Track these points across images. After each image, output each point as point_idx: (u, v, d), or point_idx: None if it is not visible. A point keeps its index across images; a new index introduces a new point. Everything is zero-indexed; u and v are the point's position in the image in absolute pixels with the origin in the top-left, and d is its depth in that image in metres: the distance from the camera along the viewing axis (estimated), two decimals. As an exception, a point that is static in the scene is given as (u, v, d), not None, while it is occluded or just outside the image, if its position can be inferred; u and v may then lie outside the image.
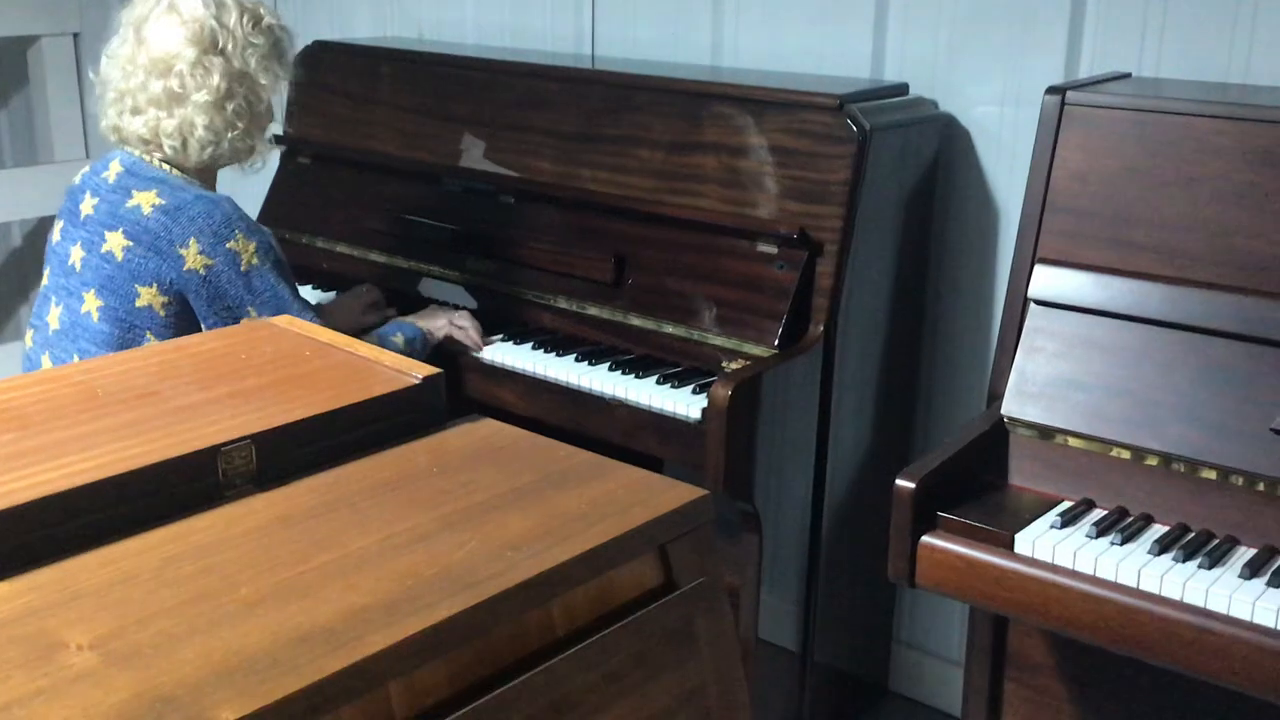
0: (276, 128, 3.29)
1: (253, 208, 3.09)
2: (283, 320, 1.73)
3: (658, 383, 2.38)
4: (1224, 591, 1.73)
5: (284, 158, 3.22)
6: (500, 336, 2.63)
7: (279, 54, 2.37)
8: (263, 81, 2.33)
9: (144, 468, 1.26)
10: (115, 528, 1.23)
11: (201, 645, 1.04)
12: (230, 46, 2.28)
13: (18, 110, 4.48)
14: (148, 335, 2.22)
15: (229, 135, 2.29)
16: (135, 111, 2.29)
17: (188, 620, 1.08)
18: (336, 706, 1.02)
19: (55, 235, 2.36)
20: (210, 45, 2.26)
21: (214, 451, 1.31)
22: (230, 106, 2.28)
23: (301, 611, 1.10)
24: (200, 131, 2.27)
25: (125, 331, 2.22)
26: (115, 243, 2.22)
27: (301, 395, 1.45)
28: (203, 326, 2.25)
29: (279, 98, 2.46)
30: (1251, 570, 1.77)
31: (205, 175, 2.36)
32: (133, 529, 1.23)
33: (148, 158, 2.31)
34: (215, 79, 2.26)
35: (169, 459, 1.28)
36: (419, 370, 1.52)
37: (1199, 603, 1.74)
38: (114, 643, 1.05)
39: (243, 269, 2.24)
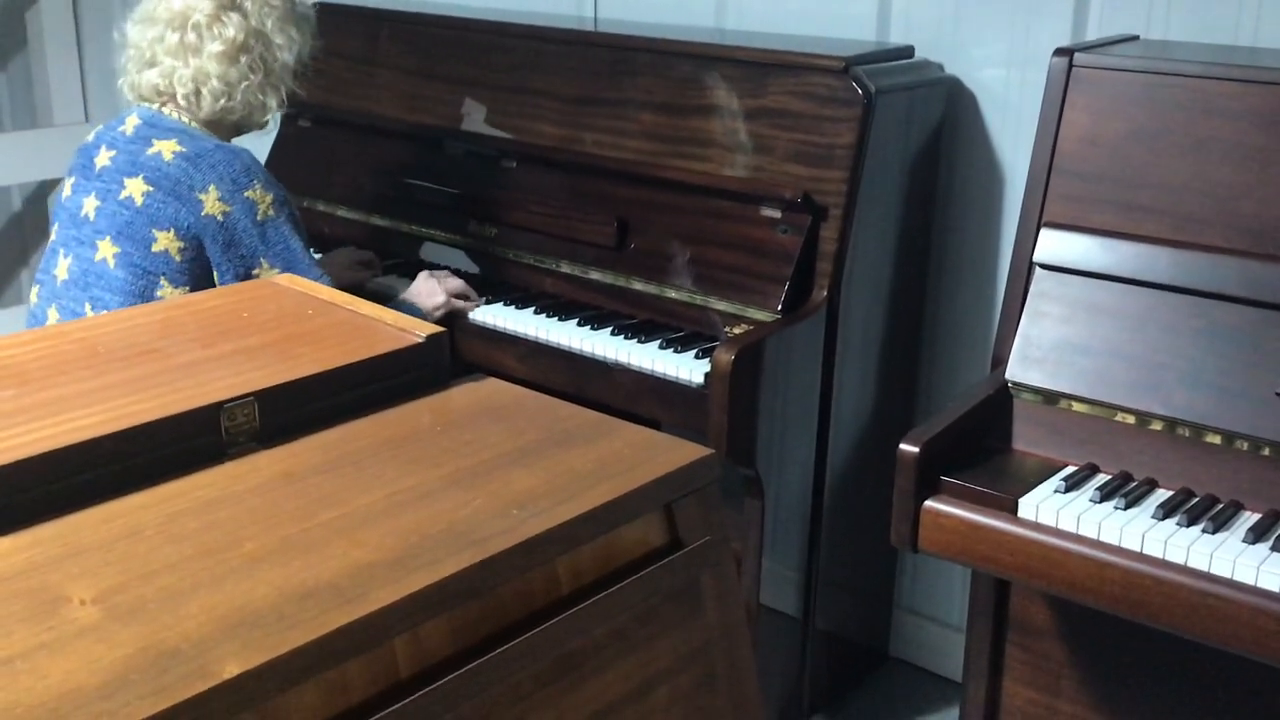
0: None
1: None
2: (285, 279, 1.72)
3: (660, 347, 2.37)
4: (1228, 556, 1.73)
5: (284, 121, 3.20)
6: (502, 301, 2.62)
7: (296, 19, 2.41)
8: (278, 41, 2.36)
9: (146, 424, 1.25)
10: (118, 484, 1.22)
11: (206, 600, 1.04)
12: (249, 4, 2.33)
13: (16, 73, 4.45)
14: (162, 281, 2.24)
15: (241, 86, 2.33)
16: (151, 64, 2.34)
17: (192, 575, 1.07)
18: (341, 661, 1.02)
19: (66, 191, 2.39)
20: (229, 1, 2.32)
21: (217, 408, 1.30)
22: (244, 60, 2.32)
23: (306, 567, 1.09)
24: (214, 82, 2.31)
25: (140, 277, 2.24)
26: (135, 188, 2.25)
27: (305, 353, 1.44)
28: (216, 274, 2.28)
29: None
30: (1255, 535, 1.77)
31: (220, 130, 2.38)
32: (135, 485, 1.22)
33: (165, 110, 2.34)
34: (231, 31, 2.31)
35: (171, 415, 1.27)
36: (422, 329, 1.51)
37: (1203, 567, 1.74)
38: (117, 597, 1.04)
39: (259, 219, 2.27)
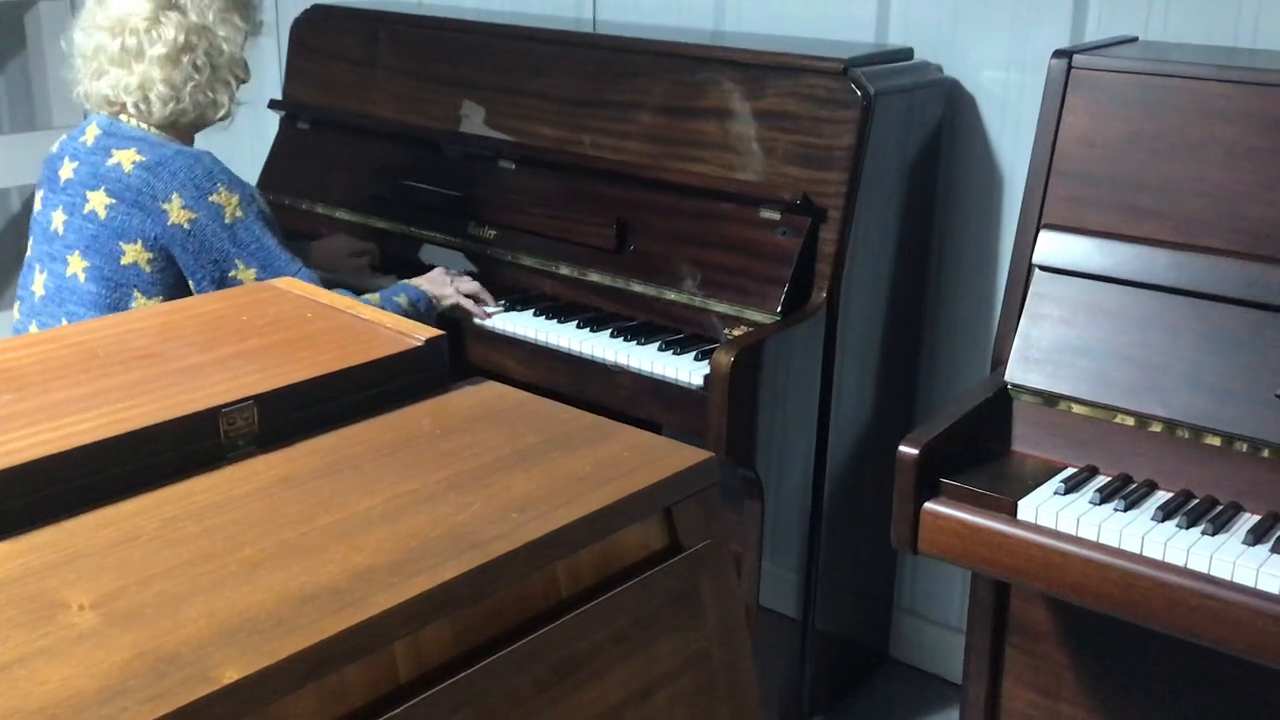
0: (274, 92, 3.28)
1: (252, 173, 3.07)
2: (284, 282, 1.71)
3: (660, 349, 2.37)
4: (1227, 558, 1.73)
5: (283, 123, 3.20)
6: (501, 303, 2.61)
7: (238, 6, 2.36)
8: (222, 33, 2.32)
9: (145, 428, 1.25)
10: (116, 488, 1.22)
11: (204, 605, 1.04)
12: (186, 1, 2.29)
13: (15, 75, 4.45)
14: (135, 293, 2.22)
15: (188, 88, 2.29)
16: (99, 74, 2.31)
17: (190, 580, 1.07)
18: (341, 666, 1.01)
19: (36, 205, 2.37)
20: (165, 1, 2.28)
21: (215, 412, 1.30)
22: (187, 59, 2.28)
23: (305, 571, 1.09)
24: (160, 87, 2.27)
25: (112, 291, 2.22)
26: (98, 201, 2.23)
27: (304, 357, 1.44)
28: (190, 282, 2.26)
29: (256, 55, 2.44)
30: (1255, 537, 1.77)
31: (178, 133, 2.35)
32: (134, 490, 1.22)
33: (123, 118, 2.31)
34: (170, 32, 2.26)
35: (170, 420, 1.26)
36: (421, 332, 1.51)
37: (1202, 569, 1.74)
38: (116, 602, 1.04)
39: (227, 221, 2.25)
